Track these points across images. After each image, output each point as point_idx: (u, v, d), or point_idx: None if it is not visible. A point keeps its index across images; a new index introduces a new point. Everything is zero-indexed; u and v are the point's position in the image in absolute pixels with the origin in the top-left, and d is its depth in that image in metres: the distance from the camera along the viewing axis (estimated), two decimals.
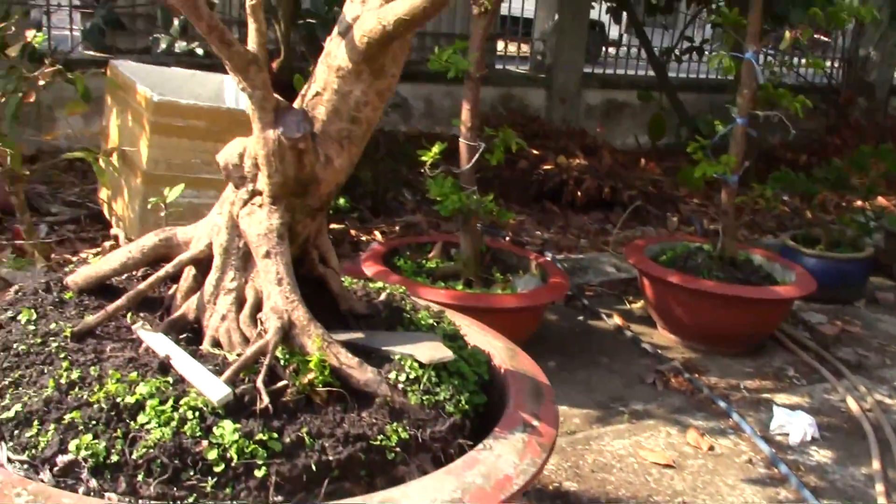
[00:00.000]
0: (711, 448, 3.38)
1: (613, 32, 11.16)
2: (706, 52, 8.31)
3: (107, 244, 4.54)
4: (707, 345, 4.27)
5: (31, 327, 1.88)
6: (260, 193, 1.86)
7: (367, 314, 2.05)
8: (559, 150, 6.35)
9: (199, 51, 4.58)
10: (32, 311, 1.96)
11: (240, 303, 1.90)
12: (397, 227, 5.33)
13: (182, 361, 1.75)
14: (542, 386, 2.09)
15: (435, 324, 2.13)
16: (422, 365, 1.83)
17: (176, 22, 4.59)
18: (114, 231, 4.50)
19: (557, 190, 5.98)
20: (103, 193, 4.56)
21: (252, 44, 1.73)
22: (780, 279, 4.40)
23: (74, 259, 4.42)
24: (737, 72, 3.91)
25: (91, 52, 6.34)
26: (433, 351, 1.85)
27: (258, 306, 1.89)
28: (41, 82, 4.04)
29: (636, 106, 8.96)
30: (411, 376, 1.81)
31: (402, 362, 1.84)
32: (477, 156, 3.72)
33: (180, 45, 4.57)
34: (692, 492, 3.07)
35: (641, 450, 3.30)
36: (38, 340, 1.82)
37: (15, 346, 1.81)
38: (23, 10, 4.84)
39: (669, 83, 7.43)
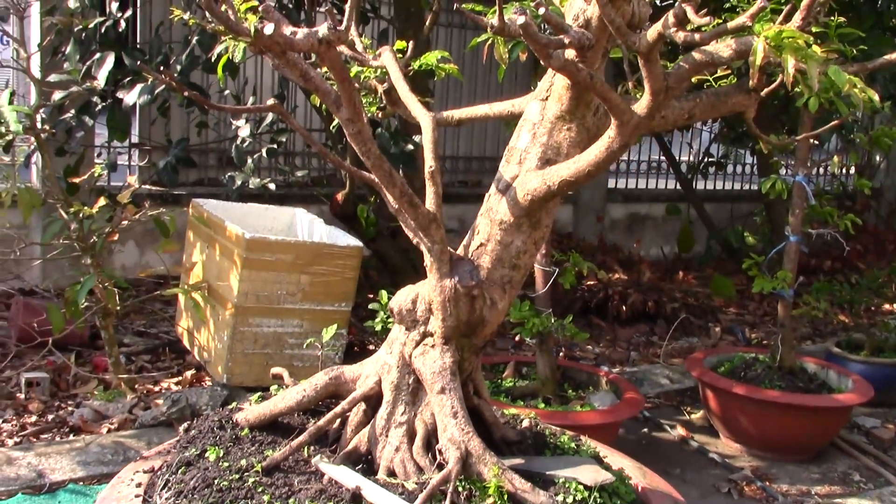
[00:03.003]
0: None
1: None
2: (726, 166, 8.68)
3: (188, 374, 4.73)
4: (772, 453, 4.41)
5: (225, 464, 2.06)
6: (431, 335, 2.07)
7: (517, 440, 2.23)
8: (598, 266, 6.59)
9: (272, 186, 4.87)
10: (218, 448, 2.14)
11: (410, 435, 2.09)
12: None
13: (372, 491, 1.93)
14: (679, 502, 2.26)
15: (576, 447, 2.31)
16: (587, 487, 2.00)
17: (250, 161, 4.88)
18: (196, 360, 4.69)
19: (602, 305, 6.19)
20: (183, 323, 4.76)
21: (431, 205, 1.97)
22: (837, 387, 4.57)
23: (157, 389, 4.60)
24: (788, 193, 4.18)
25: (147, 187, 6.65)
26: (594, 474, 2.03)
27: (428, 437, 2.08)
28: (124, 222, 4.31)
29: (658, 218, 9.29)
30: (577, 498, 1.99)
31: (567, 485, 2.02)
32: (552, 280, 3.95)
33: (254, 182, 4.85)
34: None
35: None
36: (236, 476, 2.00)
37: (216, 482, 1.99)
38: (107, 157, 5.16)
39: (696, 197, 7.75)
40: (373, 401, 2.16)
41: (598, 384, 4.27)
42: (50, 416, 4.13)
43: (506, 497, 1.92)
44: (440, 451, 1.99)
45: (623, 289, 6.24)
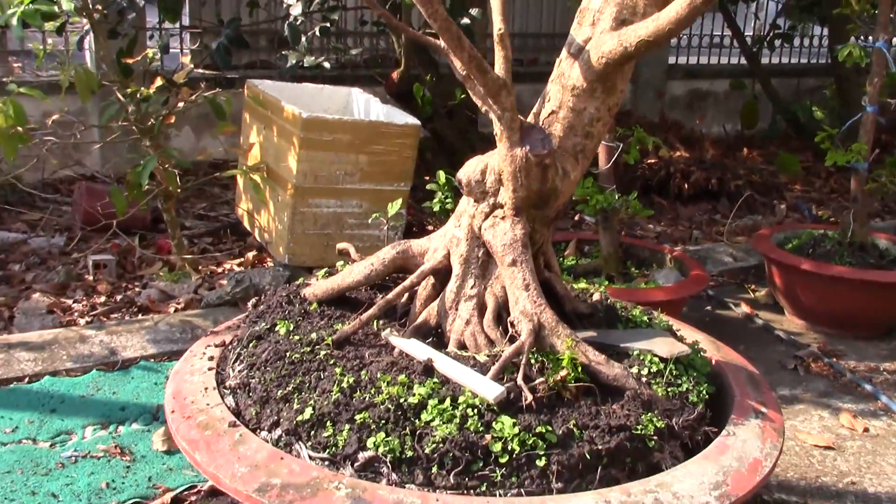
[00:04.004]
0: (866, 430, 3.46)
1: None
2: (793, 39, 8.30)
3: (249, 255, 4.77)
4: (838, 329, 4.34)
5: (295, 337, 2.06)
6: (501, 206, 2.01)
7: (589, 314, 2.19)
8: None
9: (327, 64, 4.77)
10: (288, 322, 2.14)
11: (481, 308, 2.06)
12: None
13: (444, 364, 1.91)
14: (754, 374, 2.21)
15: (648, 320, 2.27)
16: (662, 359, 1.96)
17: (304, 39, 4.77)
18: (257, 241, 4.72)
19: (663, 183, 6.06)
20: (243, 205, 4.77)
21: (500, 70, 1.88)
22: None
23: (220, 270, 4.66)
24: (866, 61, 3.97)
25: (200, 71, 6.59)
26: (670, 346, 1.99)
27: (499, 311, 2.05)
28: (180, 104, 4.27)
29: (719, 94, 9.00)
30: (653, 370, 1.95)
31: (642, 357, 1.98)
32: (615, 156, 3.84)
33: (308, 60, 4.75)
34: (857, 472, 3.16)
35: (799, 433, 3.39)
36: (307, 349, 2.00)
37: (288, 355, 1.99)
38: (160, 39, 5.08)
39: (763, 71, 7.44)
40: (441, 274, 2.13)
41: (661, 262, 4.20)
42: (118, 297, 4.21)
43: (579, 369, 1.89)
44: (512, 324, 1.96)
45: (685, 166, 6.09)
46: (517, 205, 1.98)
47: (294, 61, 4.78)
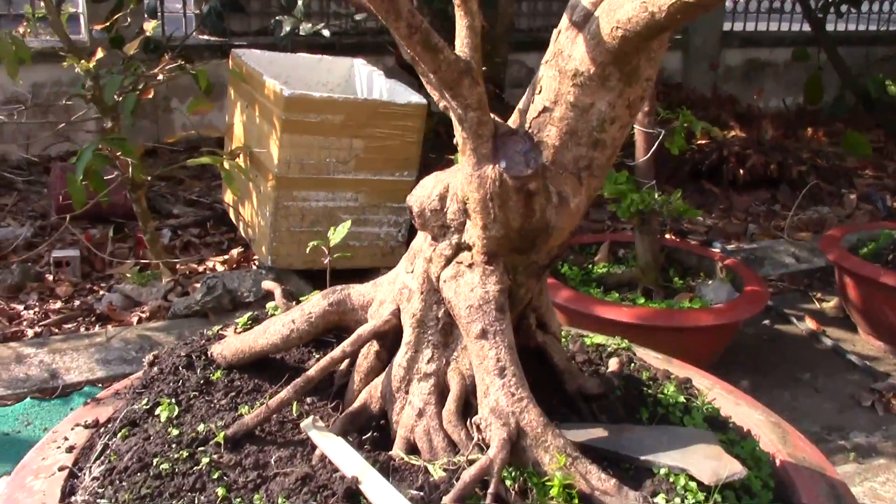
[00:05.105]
0: None
1: None
2: (860, 4, 7.43)
3: (234, 252, 4.18)
4: None
5: (174, 431, 1.45)
6: (469, 248, 1.37)
7: (600, 393, 1.54)
8: (712, 122, 5.67)
9: (326, 32, 4.13)
10: (173, 402, 1.53)
11: (441, 392, 1.43)
12: None
13: (376, 488, 1.29)
14: (836, 484, 1.55)
15: (686, 403, 1.61)
16: (702, 485, 1.31)
17: (300, 3, 4.14)
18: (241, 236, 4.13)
19: (716, 167, 5.32)
20: (228, 196, 4.18)
21: (463, 48, 1.23)
22: None
23: (201, 269, 4.08)
24: None
25: (206, 37, 5.99)
26: (714, 463, 1.33)
27: (465, 398, 1.42)
28: (160, 77, 3.67)
29: (779, 65, 8.17)
30: (688, 501, 1.31)
31: (672, 480, 1.33)
32: (656, 145, 3.16)
33: (305, 28, 4.12)
34: None
35: (880, 501, 2.72)
36: (185, 454, 1.39)
37: (155, 462, 1.38)
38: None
39: (829, 39, 6.62)
40: (389, 338, 1.50)
41: (711, 270, 3.52)
42: (77, 302, 3.65)
43: (576, 501, 1.26)
44: (478, 428, 1.32)
45: (741, 148, 5.34)
46: (490, 248, 1.34)
47: (288, 29, 4.15)
